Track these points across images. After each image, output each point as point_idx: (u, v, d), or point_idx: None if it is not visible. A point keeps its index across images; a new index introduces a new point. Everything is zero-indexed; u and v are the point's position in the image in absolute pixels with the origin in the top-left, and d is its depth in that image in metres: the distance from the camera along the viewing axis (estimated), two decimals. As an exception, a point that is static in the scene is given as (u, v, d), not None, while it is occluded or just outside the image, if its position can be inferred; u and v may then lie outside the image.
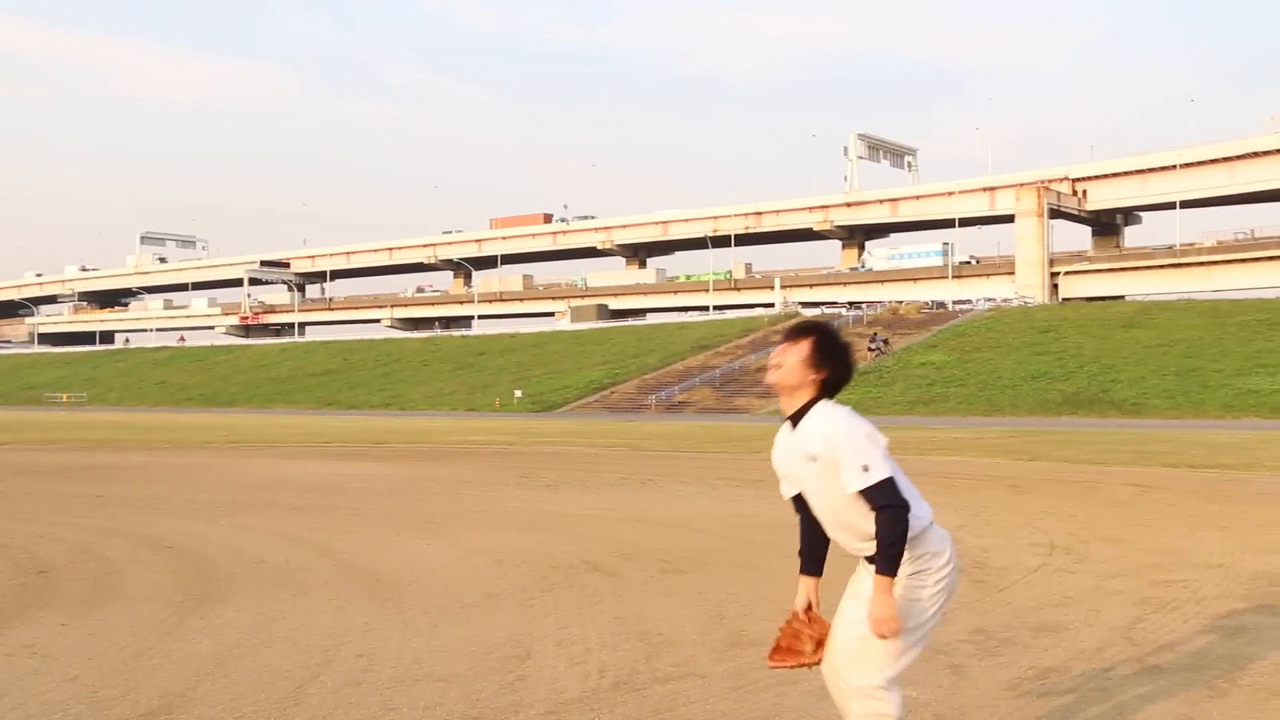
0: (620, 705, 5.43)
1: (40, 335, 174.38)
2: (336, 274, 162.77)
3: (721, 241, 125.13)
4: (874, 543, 3.77)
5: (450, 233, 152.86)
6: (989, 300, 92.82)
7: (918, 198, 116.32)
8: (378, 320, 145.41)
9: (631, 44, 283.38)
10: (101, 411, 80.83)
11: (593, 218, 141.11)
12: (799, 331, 4.00)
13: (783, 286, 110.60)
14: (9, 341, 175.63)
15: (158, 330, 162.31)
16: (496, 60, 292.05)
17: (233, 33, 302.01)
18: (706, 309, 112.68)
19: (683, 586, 8.77)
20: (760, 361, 76.89)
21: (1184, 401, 55.15)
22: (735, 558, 10.34)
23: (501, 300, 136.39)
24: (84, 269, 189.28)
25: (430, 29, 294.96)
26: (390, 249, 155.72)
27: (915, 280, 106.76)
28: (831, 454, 3.77)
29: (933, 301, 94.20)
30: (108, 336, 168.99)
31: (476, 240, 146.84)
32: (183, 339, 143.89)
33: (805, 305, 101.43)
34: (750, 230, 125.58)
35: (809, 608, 4.21)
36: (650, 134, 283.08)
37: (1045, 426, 43.45)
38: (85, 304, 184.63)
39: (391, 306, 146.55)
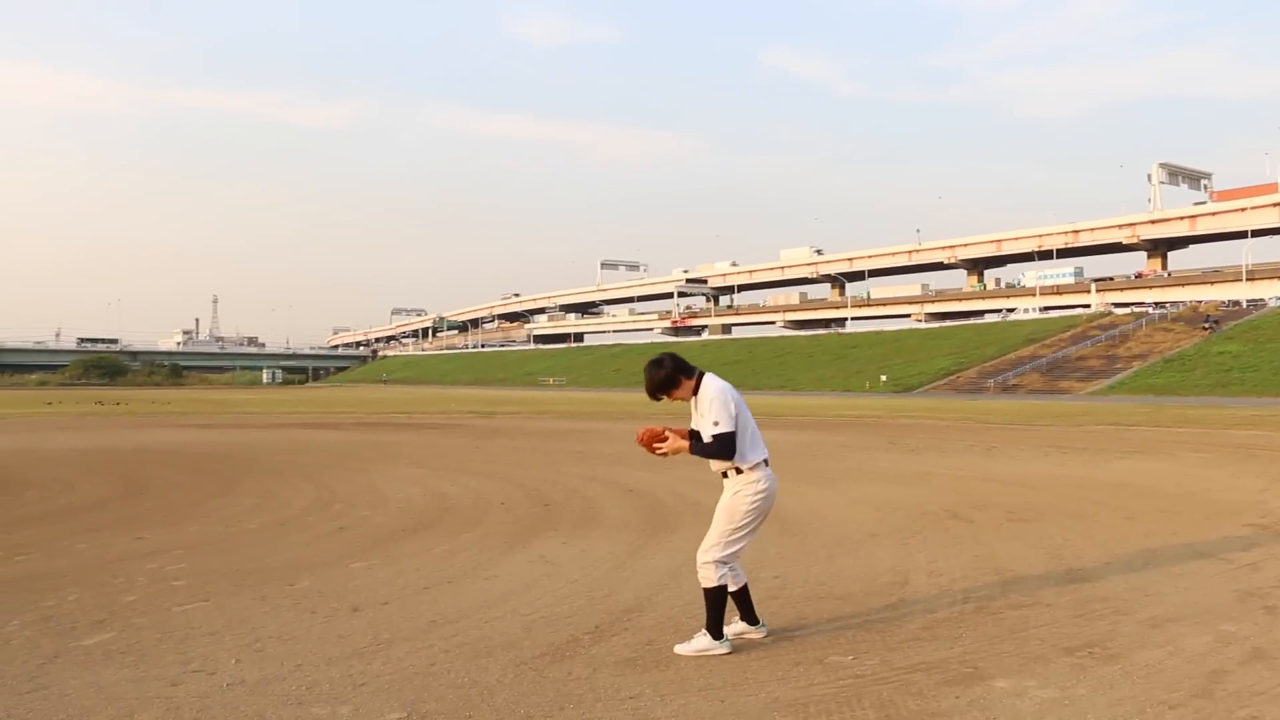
0: (982, 624, 5.27)
1: (535, 336, 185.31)
2: (742, 287, 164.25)
3: (1044, 255, 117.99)
4: (723, 467, 4.87)
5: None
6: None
7: (1214, 214, 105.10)
8: (773, 322, 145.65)
9: (968, 100, 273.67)
10: (575, 391, 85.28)
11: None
12: (654, 392, 4.96)
13: (1097, 290, 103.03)
14: (513, 341, 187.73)
15: (613, 331, 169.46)
16: (859, 117, 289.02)
17: (664, 113, 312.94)
18: (1028, 310, 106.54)
19: (1026, 532, 8.38)
20: (1080, 351, 72.19)
21: None
22: (1068, 510, 9.78)
23: (868, 305, 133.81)
24: (513, 295, 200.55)
25: (809, 97, 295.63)
26: (782, 267, 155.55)
27: (1212, 283, 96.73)
28: (702, 409, 4.78)
29: (1228, 301, 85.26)
30: (579, 337, 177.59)
31: (848, 259, 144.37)
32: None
33: (1116, 305, 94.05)
34: (1069, 245, 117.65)
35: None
36: (984, 167, 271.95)
37: (1341, 406, 38.41)
38: (563, 314, 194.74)
39: (784, 311, 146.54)
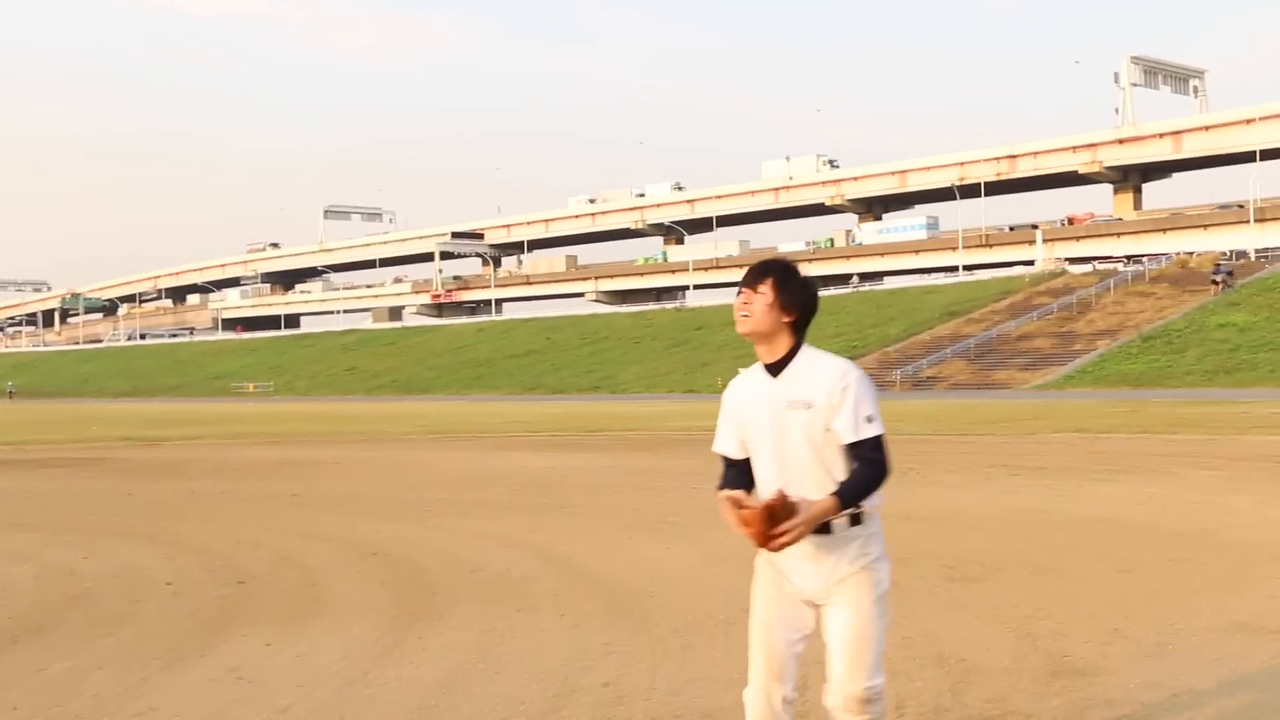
0: (930, 750, 5.09)
1: (223, 321, 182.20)
2: (534, 244, 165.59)
3: (969, 191, 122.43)
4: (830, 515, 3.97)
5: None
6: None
7: (1207, 128, 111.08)
8: (581, 294, 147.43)
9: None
10: (290, 402, 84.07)
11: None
12: (755, 275, 4.17)
13: (1045, 240, 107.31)
14: (191, 329, 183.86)
15: (345, 311, 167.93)
16: (707, 4, 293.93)
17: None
18: (955, 269, 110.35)
19: (977, 598, 8.41)
20: (1023, 328, 75.32)
21: None
22: (1033, 562, 9.92)
23: (719, 268, 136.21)
24: (271, 245, 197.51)
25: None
26: (593, 214, 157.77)
27: (1207, 227, 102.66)
28: (832, 399, 3.98)
29: (1231, 252, 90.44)
30: (293, 320, 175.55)
31: (689, 201, 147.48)
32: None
33: (1073, 261, 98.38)
34: (1003, 177, 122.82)
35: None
36: (884, 74, 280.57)
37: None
38: (269, 285, 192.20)
39: (595, 278, 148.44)
